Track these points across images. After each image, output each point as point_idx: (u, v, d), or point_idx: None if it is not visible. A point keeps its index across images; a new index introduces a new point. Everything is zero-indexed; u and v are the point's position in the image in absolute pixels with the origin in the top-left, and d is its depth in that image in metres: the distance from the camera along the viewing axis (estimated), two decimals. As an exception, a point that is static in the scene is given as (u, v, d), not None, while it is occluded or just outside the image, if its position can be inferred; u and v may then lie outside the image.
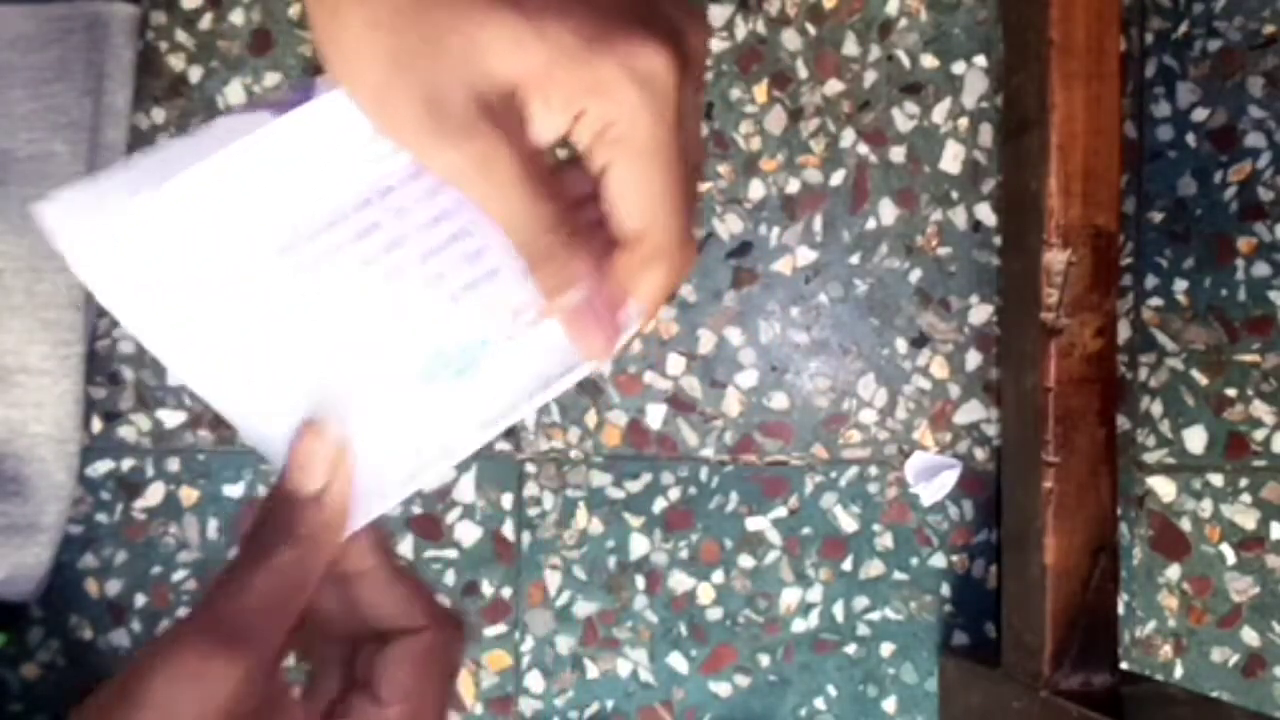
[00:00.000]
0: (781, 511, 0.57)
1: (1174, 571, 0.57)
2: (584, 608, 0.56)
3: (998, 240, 0.56)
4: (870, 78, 0.56)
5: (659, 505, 0.56)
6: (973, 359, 0.57)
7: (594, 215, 0.27)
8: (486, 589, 0.56)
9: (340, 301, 0.28)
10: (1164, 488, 0.57)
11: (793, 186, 0.56)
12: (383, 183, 0.28)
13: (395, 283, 0.28)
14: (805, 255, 0.56)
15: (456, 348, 0.29)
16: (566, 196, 0.27)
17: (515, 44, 0.24)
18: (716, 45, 0.56)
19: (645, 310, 0.28)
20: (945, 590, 0.57)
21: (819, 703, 0.57)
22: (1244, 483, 0.57)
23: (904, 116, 0.56)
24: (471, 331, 0.29)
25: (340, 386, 0.27)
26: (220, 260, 0.27)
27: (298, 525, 0.26)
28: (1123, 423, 0.57)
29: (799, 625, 0.57)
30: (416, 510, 0.56)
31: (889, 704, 0.57)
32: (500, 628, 0.56)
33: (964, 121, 0.56)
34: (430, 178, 0.28)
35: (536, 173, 0.26)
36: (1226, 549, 0.57)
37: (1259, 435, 0.57)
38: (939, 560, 0.57)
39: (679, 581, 0.56)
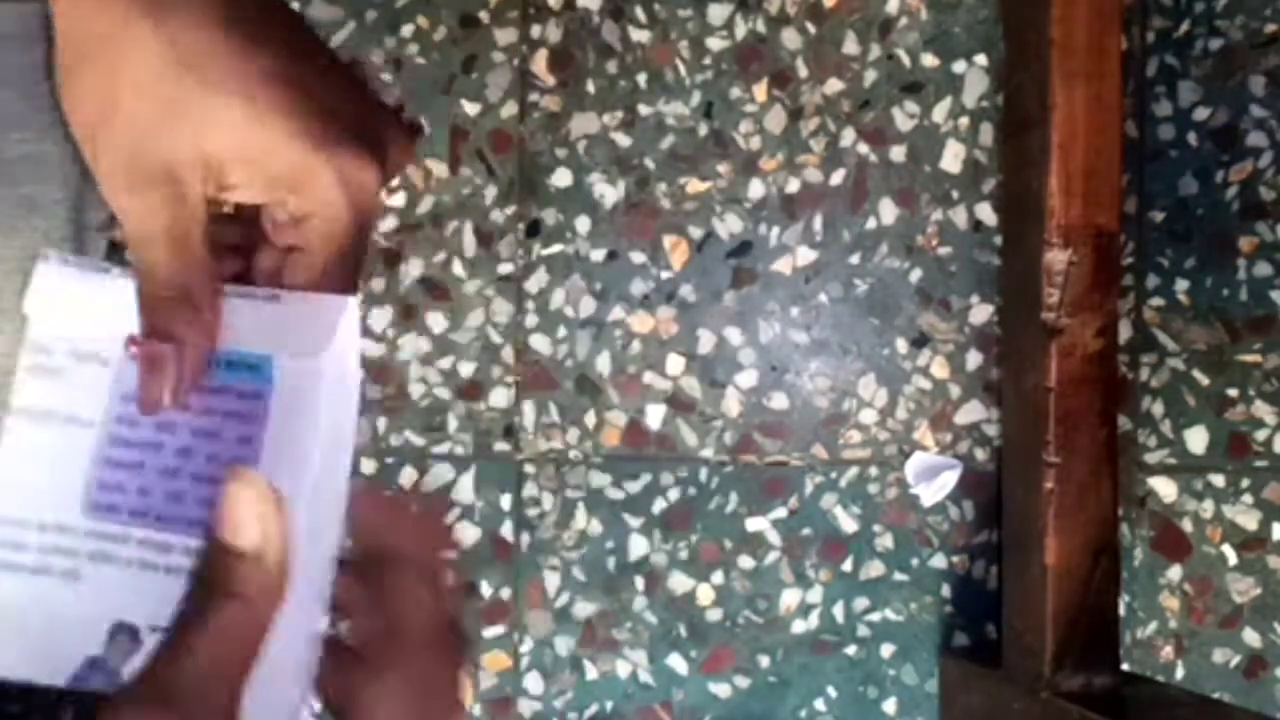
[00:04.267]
0: (781, 512, 0.56)
1: (1175, 572, 0.57)
2: (583, 609, 0.56)
3: (998, 240, 0.56)
4: (870, 77, 0.56)
5: (658, 506, 0.56)
6: (973, 359, 0.57)
7: (230, 269, 0.31)
8: (485, 590, 0.56)
9: None
10: (1165, 488, 0.57)
11: (793, 186, 0.56)
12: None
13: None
14: (805, 255, 0.56)
15: None
16: (218, 247, 0.30)
17: (242, 127, 0.28)
18: (716, 45, 0.56)
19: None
20: (946, 591, 0.57)
21: (819, 704, 0.56)
22: (1245, 483, 0.57)
23: (904, 116, 0.56)
24: None
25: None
26: None
27: (237, 583, 0.25)
28: (1124, 423, 0.57)
29: (799, 626, 0.56)
30: (415, 510, 0.56)
31: (889, 705, 0.57)
32: (499, 629, 0.56)
33: (964, 121, 0.56)
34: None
35: (191, 234, 0.30)
36: (1228, 550, 0.57)
37: (1260, 436, 0.57)
38: (939, 561, 0.57)
39: (678, 582, 0.56)
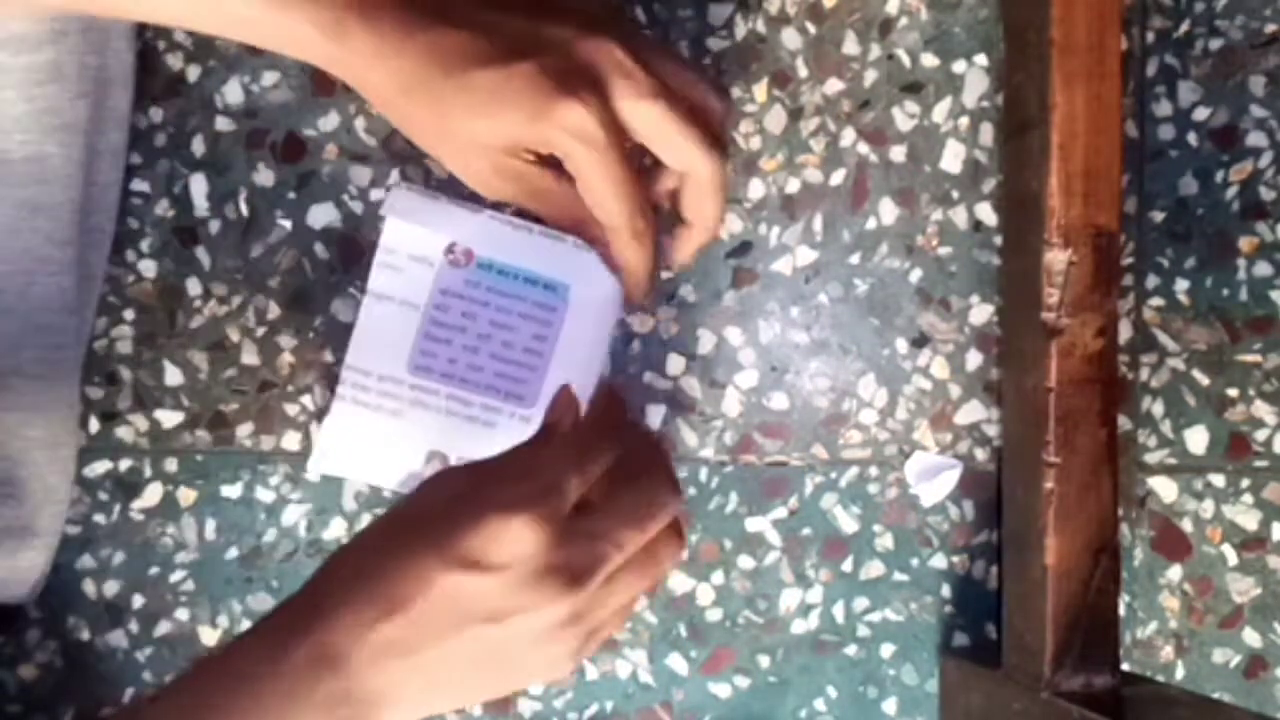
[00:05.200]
0: (781, 512, 0.56)
1: (1175, 572, 0.57)
2: (583, 609, 0.56)
3: (998, 240, 0.56)
4: (870, 77, 0.56)
5: (658, 506, 0.56)
6: (973, 359, 0.57)
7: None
8: (485, 590, 0.56)
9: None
10: (1165, 488, 0.57)
11: (793, 186, 0.56)
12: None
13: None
14: (805, 255, 0.56)
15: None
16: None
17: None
18: (716, 45, 0.56)
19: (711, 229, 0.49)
20: (946, 591, 0.57)
21: (819, 704, 0.56)
22: (1246, 483, 0.57)
23: (904, 116, 0.56)
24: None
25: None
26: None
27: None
28: (1124, 423, 0.57)
29: (799, 626, 0.56)
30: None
31: (889, 705, 0.57)
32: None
33: (964, 121, 0.56)
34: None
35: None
36: (1228, 550, 0.57)
37: (1261, 436, 0.57)
38: (940, 561, 0.57)
39: (678, 582, 0.56)
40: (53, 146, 0.48)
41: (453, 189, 0.53)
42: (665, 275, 0.56)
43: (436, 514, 0.40)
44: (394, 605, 0.38)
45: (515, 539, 0.39)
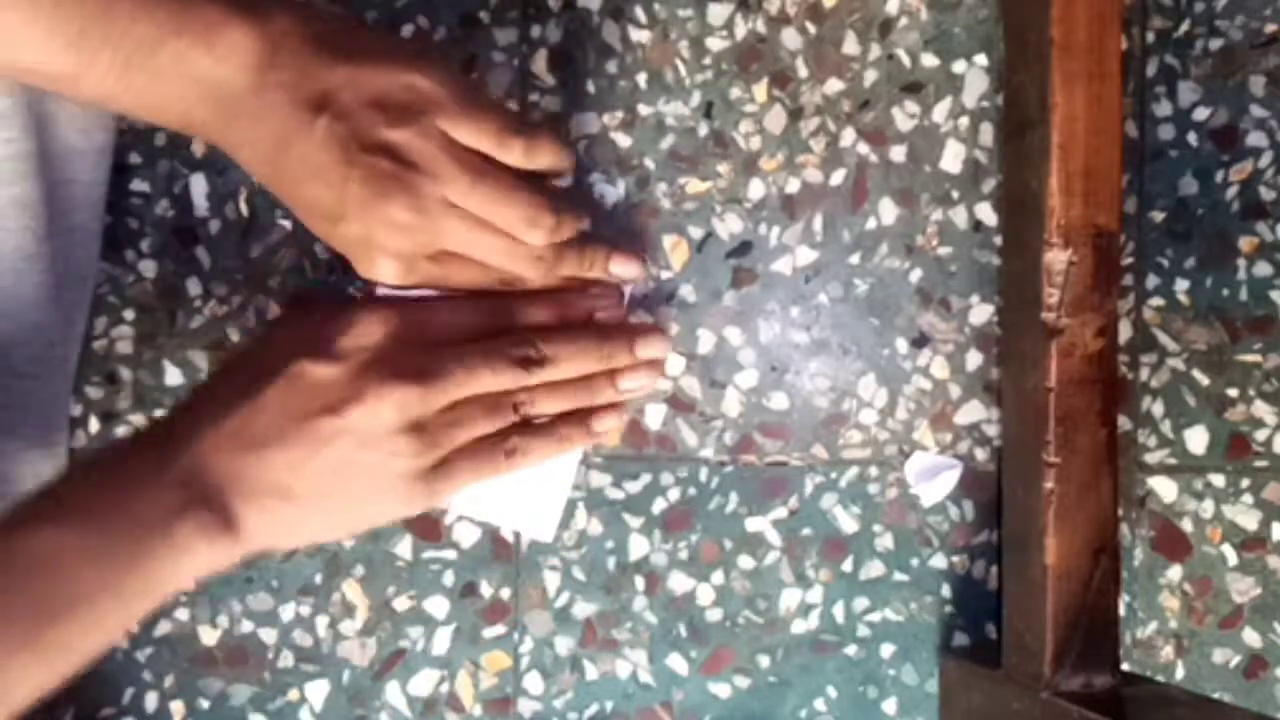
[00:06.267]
0: (781, 512, 0.56)
1: (1175, 572, 0.57)
2: (583, 609, 0.56)
3: (998, 240, 0.56)
4: (870, 77, 0.56)
5: (658, 506, 0.56)
6: (973, 359, 0.57)
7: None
8: (485, 590, 0.56)
9: None
10: (1165, 488, 0.57)
11: (793, 186, 0.56)
12: None
13: None
14: (805, 255, 0.56)
15: None
16: None
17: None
18: (716, 45, 0.56)
19: None
20: (946, 591, 0.57)
21: (819, 704, 0.56)
22: (1245, 483, 0.57)
23: (904, 116, 0.56)
24: None
25: None
26: None
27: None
28: (1124, 423, 0.57)
29: (799, 626, 0.56)
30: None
31: (889, 705, 0.57)
32: (499, 629, 0.56)
33: (964, 121, 0.56)
34: None
35: None
36: (1228, 550, 0.57)
37: (1260, 436, 0.57)
38: (940, 561, 0.57)
39: (678, 582, 0.56)
40: (34, 143, 0.48)
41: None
42: (665, 275, 0.56)
43: (285, 334, 0.45)
44: (241, 395, 0.41)
45: (363, 330, 0.43)
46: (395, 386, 0.42)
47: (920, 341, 0.57)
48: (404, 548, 0.56)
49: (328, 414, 0.42)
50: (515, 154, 0.46)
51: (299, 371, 0.42)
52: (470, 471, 0.46)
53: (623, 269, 0.52)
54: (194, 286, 0.55)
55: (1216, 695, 0.57)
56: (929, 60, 0.56)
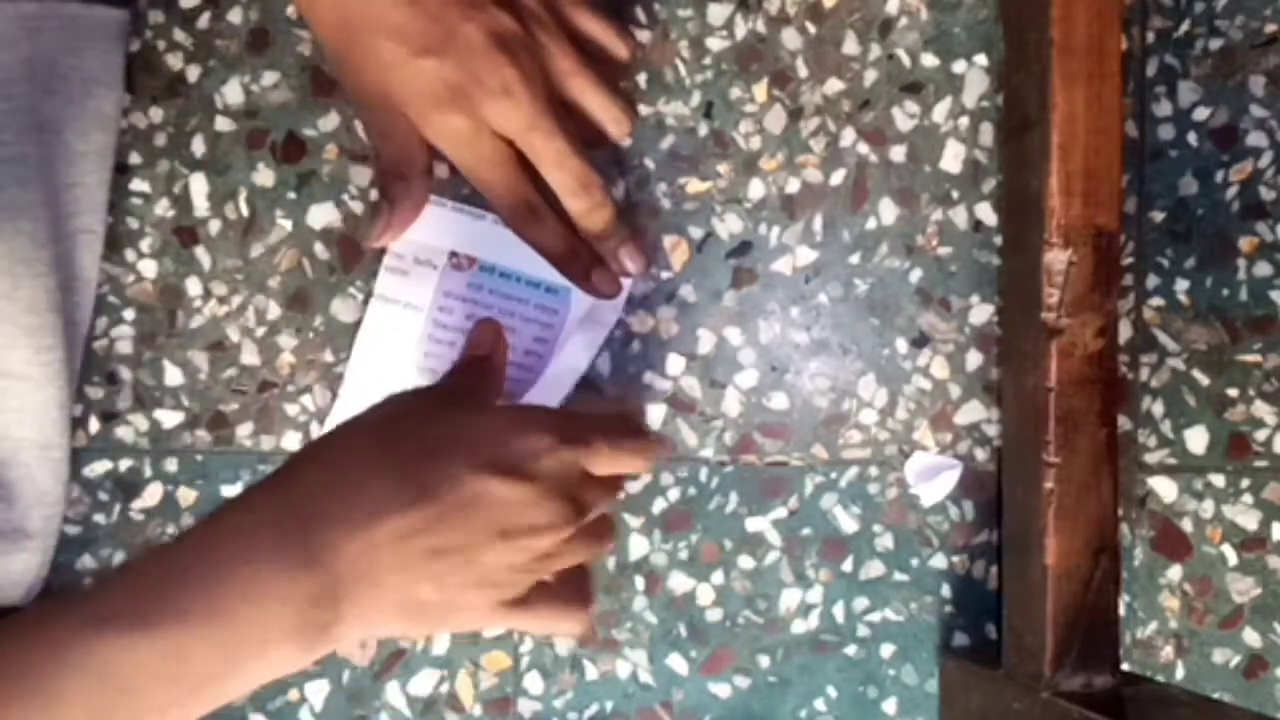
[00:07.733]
0: (781, 512, 0.56)
1: (1175, 572, 0.57)
2: (583, 609, 0.56)
3: (998, 240, 0.56)
4: (870, 77, 0.56)
5: (658, 506, 0.56)
6: (973, 359, 0.57)
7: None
8: (485, 590, 0.56)
9: None
10: (1165, 488, 0.57)
11: (793, 186, 0.56)
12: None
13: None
14: (805, 255, 0.56)
15: None
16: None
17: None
18: (716, 45, 0.56)
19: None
20: (946, 591, 0.57)
21: (819, 704, 0.56)
22: (1245, 483, 0.57)
23: (904, 116, 0.56)
24: None
25: None
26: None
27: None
28: (1124, 423, 0.57)
29: (799, 626, 0.56)
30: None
31: (889, 705, 0.57)
32: (498, 628, 0.56)
33: (964, 121, 0.56)
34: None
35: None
36: (1228, 550, 0.57)
37: (1260, 436, 0.57)
38: (939, 561, 0.57)
39: (678, 582, 0.56)
40: (29, 146, 0.48)
41: (457, 195, 0.53)
42: (665, 275, 0.56)
43: (436, 425, 0.39)
44: (416, 498, 0.36)
45: (553, 458, 0.39)
46: (565, 520, 0.39)
47: (920, 341, 0.57)
48: (404, 548, 0.56)
49: (502, 539, 0.38)
50: (622, 51, 0.51)
51: (484, 488, 0.37)
52: (549, 613, 0.44)
53: (629, 260, 0.52)
54: (194, 286, 0.55)
55: (1216, 695, 0.57)
56: (929, 60, 0.56)
